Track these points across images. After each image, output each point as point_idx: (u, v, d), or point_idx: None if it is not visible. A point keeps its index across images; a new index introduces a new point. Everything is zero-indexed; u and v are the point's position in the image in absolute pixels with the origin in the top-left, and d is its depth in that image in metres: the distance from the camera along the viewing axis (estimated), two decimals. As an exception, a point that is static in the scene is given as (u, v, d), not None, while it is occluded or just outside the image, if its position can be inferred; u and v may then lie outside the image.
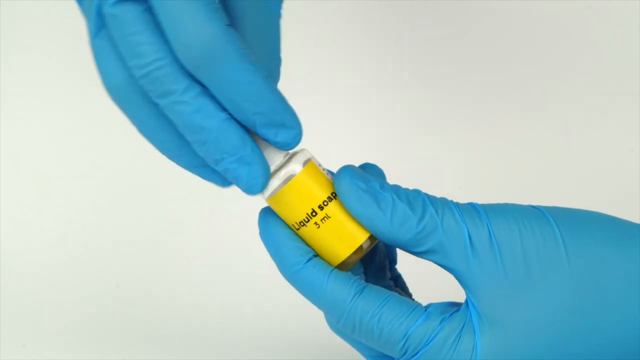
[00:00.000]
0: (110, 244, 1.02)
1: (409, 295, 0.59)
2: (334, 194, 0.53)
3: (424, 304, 0.56)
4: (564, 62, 1.08)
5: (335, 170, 0.55)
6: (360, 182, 0.52)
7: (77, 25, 1.08)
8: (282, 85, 1.00)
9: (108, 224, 1.04)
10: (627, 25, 1.05)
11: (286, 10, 1.08)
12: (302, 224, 0.52)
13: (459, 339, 0.51)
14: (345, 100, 1.08)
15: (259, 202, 0.54)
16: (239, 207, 0.95)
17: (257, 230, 0.54)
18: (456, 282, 0.54)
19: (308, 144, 0.56)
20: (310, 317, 0.69)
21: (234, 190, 1.03)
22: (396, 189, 0.53)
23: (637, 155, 1.05)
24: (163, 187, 1.06)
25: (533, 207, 0.53)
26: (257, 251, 0.64)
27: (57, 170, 1.07)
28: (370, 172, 0.55)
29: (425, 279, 0.66)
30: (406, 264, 0.60)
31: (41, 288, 0.96)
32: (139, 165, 1.07)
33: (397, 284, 0.59)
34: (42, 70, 1.09)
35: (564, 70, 1.07)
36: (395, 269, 0.59)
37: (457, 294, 0.56)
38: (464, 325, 0.51)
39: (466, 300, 0.52)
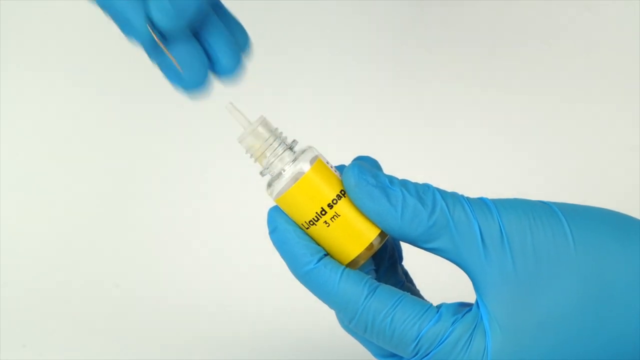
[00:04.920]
0: (110, 244, 1.02)
1: (418, 291, 0.59)
2: (342, 192, 0.52)
3: (429, 299, 0.56)
4: (564, 63, 1.08)
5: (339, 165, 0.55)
6: (369, 178, 0.51)
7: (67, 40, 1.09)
8: (288, 85, 1.01)
9: (108, 224, 1.04)
10: (627, 26, 1.06)
11: (287, 9, 1.09)
12: (311, 223, 0.52)
13: (471, 340, 0.50)
14: (348, 97, 1.08)
15: (267, 201, 0.54)
16: (245, 207, 0.95)
17: (264, 229, 0.54)
18: (461, 279, 0.53)
19: (312, 141, 0.56)
20: (317, 316, 0.69)
21: (239, 191, 1.03)
22: (405, 183, 0.52)
23: (637, 155, 1.05)
24: (165, 187, 1.06)
25: (542, 202, 0.53)
26: (263, 251, 0.64)
27: (57, 171, 1.07)
28: (366, 164, 0.55)
29: (430, 276, 0.66)
30: (411, 262, 0.60)
31: (41, 288, 0.95)
32: (139, 165, 1.07)
33: (408, 279, 0.59)
34: (44, 72, 1.09)
35: (564, 70, 1.08)
36: (403, 266, 0.59)
37: (463, 290, 0.56)
38: (475, 326, 0.51)
39: (477, 301, 0.52)
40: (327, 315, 0.58)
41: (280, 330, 0.87)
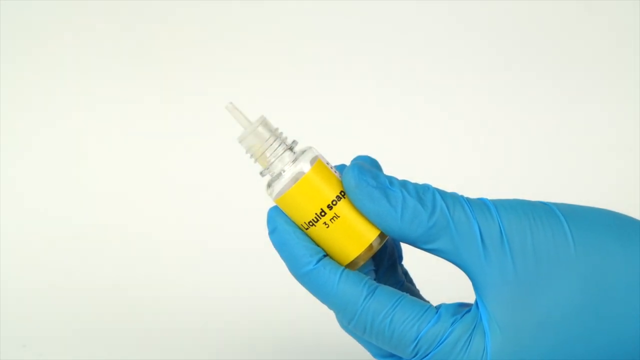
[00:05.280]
0: (110, 245, 1.02)
1: (417, 291, 0.59)
2: (342, 193, 0.52)
3: (429, 299, 0.56)
4: (564, 63, 1.08)
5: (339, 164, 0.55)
6: (369, 179, 0.51)
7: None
8: (289, 84, 1.01)
9: (108, 224, 1.04)
10: (627, 26, 1.06)
11: (289, 9, 1.09)
12: (311, 223, 0.52)
13: (470, 341, 0.50)
14: (348, 97, 1.08)
15: (267, 201, 0.54)
16: (245, 208, 0.95)
17: (264, 229, 0.54)
18: (461, 279, 0.53)
19: (312, 141, 0.56)
20: (316, 317, 0.69)
21: (238, 192, 1.03)
22: (405, 184, 0.52)
23: (637, 155, 1.05)
24: (165, 187, 1.06)
25: (542, 203, 0.52)
26: (263, 251, 0.64)
27: (57, 171, 1.07)
28: (365, 164, 0.54)
29: (429, 276, 0.66)
30: (411, 262, 0.60)
31: (41, 288, 0.95)
32: (138, 165, 1.07)
33: (407, 279, 0.59)
34: (43, 74, 1.09)
35: (564, 71, 1.08)
36: (402, 265, 0.59)
37: (462, 290, 0.56)
38: (474, 326, 0.51)
39: (476, 301, 0.51)
40: (326, 316, 0.58)
41: (279, 330, 0.87)
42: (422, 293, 0.59)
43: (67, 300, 0.93)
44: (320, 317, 0.65)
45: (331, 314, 0.54)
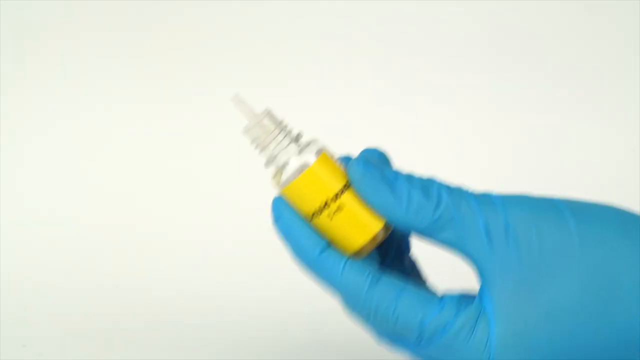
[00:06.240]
0: (110, 244, 1.02)
1: (424, 279, 0.59)
2: (347, 184, 0.52)
3: (436, 287, 0.56)
4: (564, 63, 1.08)
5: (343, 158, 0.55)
6: (374, 171, 0.52)
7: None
8: (294, 82, 1.00)
9: (109, 224, 1.03)
10: (627, 26, 1.06)
11: (296, 9, 1.09)
12: (315, 214, 0.52)
13: (474, 330, 0.51)
14: (353, 90, 1.09)
15: (268, 202, 0.54)
16: (246, 208, 0.95)
17: (268, 221, 0.54)
18: (465, 269, 0.54)
19: (317, 133, 0.56)
20: (318, 317, 0.69)
21: (240, 191, 1.03)
22: (411, 177, 0.52)
23: (637, 155, 1.05)
24: (165, 186, 1.06)
25: (547, 198, 0.53)
26: (267, 243, 0.64)
27: (58, 171, 1.07)
28: (373, 157, 0.55)
29: (433, 267, 0.66)
30: (416, 252, 0.60)
31: (41, 288, 0.95)
32: (139, 164, 1.07)
33: (414, 269, 0.59)
34: (45, 74, 1.09)
35: (564, 70, 1.08)
36: (410, 257, 0.59)
37: (467, 280, 0.56)
38: (478, 315, 0.51)
39: (480, 290, 0.52)
40: (326, 315, 0.58)
41: (279, 330, 0.87)
42: (435, 279, 0.59)
43: (67, 300, 0.93)
44: (320, 316, 0.65)
45: (331, 314, 0.54)
